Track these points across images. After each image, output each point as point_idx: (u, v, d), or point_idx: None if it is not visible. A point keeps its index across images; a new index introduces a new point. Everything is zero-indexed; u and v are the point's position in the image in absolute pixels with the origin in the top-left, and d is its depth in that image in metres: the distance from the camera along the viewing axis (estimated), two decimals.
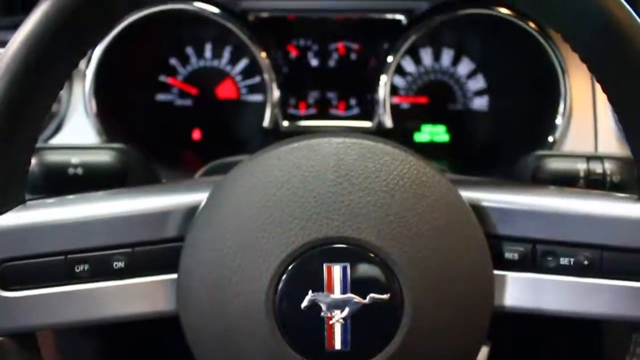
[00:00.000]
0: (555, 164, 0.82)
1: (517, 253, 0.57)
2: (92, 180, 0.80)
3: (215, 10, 1.05)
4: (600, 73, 0.57)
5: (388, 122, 1.09)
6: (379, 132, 1.09)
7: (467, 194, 0.60)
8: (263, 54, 1.07)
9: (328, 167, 0.56)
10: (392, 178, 0.56)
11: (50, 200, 0.61)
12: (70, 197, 0.63)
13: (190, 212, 0.61)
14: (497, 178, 0.98)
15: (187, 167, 1.10)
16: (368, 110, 1.13)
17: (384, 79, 1.08)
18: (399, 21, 1.11)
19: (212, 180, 0.66)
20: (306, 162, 0.56)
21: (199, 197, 0.61)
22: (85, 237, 0.58)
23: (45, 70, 0.51)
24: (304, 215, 0.54)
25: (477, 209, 0.60)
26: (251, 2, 1.09)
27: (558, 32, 0.58)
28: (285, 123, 1.12)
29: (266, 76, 1.08)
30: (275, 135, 1.09)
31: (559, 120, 1.03)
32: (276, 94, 1.09)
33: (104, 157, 0.81)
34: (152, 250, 0.60)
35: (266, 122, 1.10)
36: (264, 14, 1.08)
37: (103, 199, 0.62)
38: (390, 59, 1.07)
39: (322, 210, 0.54)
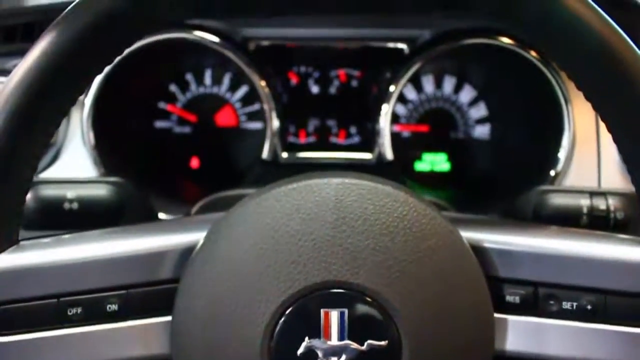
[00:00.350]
0: (557, 200, 0.80)
1: (518, 296, 0.56)
2: (87, 215, 0.79)
3: (215, 39, 1.04)
4: (604, 110, 0.56)
5: (389, 154, 1.08)
6: (379, 164, 1.08)
7: (468, 235, 0.59)
8: (262, 83, 1.06)
9: (327, 209, 0.55)
10: (391, 221, 0.55)
11: (44, 241, 0.60)
12: (65, 237, 0.61)
13: (186, 253, 0.59)
14: (497, 215, 0.96)
15: (185, 196, 1.08)
16: (368, 139, 1.11)
17: (385, 108, 1.07)
18: (401, 50, 1.07)
19: (209, 219, 0.65)
20: (304, 204, 0.55)
21: (195, 237, 0.60)
22: (79, 280, 0.57)
23: (44, 107, 0.51)
24: (301, 259, 0.53)
25: (478, 251, 0.59)
26: (252, 29, 1.08)
27: (561, 68, 0.57)
28: (285, 154, 1.10)
29: (265, 106, 1.07)
30: (275, 167, 1.08)
31: (561, 153, 1.02)
32: (275, 123, 1.07)
33: (100, 191, 0.80)
34: (146, 292, 0.58)
35: (265, 154, 1.08)
36: (265, 43, 1.06)
37: (97, 239, 0.60)
38: (392, 88, 1.06)
39: (320, 254, 0.53)
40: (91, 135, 1.00)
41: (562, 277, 0.57)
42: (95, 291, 0.57)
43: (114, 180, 0.81)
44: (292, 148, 1.14)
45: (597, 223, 0.78)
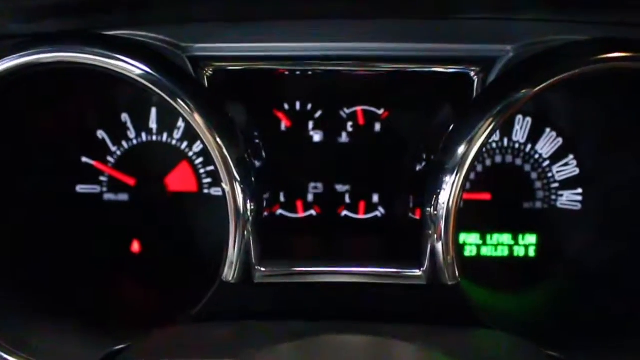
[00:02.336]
0: None
1: None
2: None
3: (145, 69, 0.62)
4: None
5: (448, 272, 0.64)
6: (434, 285, 0.65)
7: None
8: (218, 140, 0.63)
9: None
10: None
11: None
12: None
13: None
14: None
15: (121, 296, 0.82)
16: (400, 214, 0.83)
17: (448, 181, 0.65)
18: (467, 77, 0.71)
19: None
20: None
21: None
22: None
23: None
24: None
25: None
26: (207, 45, 0.68)
27: None
28: (261, 269, 0.67)
29: (225, 186, 0.63)
30: (246, 287, 0.66)
31: None
32: (245, 208, 0.64)
33: None
34: None
35: (225, 273, 0.65)
36: (231, 65, 0.70)
37: None
38: (461, 149, 0.64)
39: None
40: None
41: None
42: None
43: None
44: (276, 246, 0.73)
45: None
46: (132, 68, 0.62)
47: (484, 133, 0.63)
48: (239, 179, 0.64)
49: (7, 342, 0.63)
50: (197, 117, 0.62)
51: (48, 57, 0.61)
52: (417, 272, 0.66)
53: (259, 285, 0.66)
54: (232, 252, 0.64)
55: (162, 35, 0.67)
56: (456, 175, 0.64)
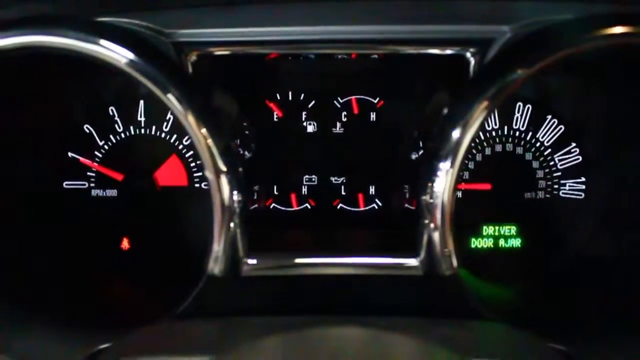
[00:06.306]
0: None
1: None
2: None
3: (128, 54, 0.58)
4: None
5: (446, 264, 0.61)
6: (431, 275, 0.62)
7: None
8: (203, 131, 0.59)
9: None
10: None
11: None
12: None
13: None
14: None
15: (107, 296, 0.76)
16: (397, 205, 0.79)
17: (444, 168, 0.61)
18: (464, 61, 0.67)
19: None
20: None
21: None
22: None
23: None
24: None
25: None
26: (196, 31, 0.65)
27: None
28: (251, 260, 0.63)
29: (210, 175, 0.59)
30: (233, 282, 0.62)
31: None
32: (231, 199, 0.60)
33: None
34: None
35: (211, 267, 0.62)
36: (218, 50, 0.66)
37: None
38: (455, 133, 0.60)
39: None
40: None
41: None
42: None
43: None
44: (268, 239, 0.71)
45: None
46: (111, 53, 0.58)
47: (479, 116, 0.59)
48: (224, 169, 0.60)
49: None
50: (179, 105, 0.58)
51: (32, 40, 0.56)
52: (414, 263, 0.63)
53: (246, 279, 0.62)
54: (218, 244, 0.60)
55: (145, 21, 0.63)
56: (451, 161, 0.60)
